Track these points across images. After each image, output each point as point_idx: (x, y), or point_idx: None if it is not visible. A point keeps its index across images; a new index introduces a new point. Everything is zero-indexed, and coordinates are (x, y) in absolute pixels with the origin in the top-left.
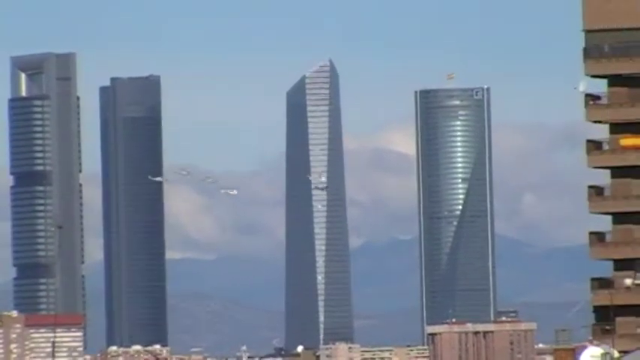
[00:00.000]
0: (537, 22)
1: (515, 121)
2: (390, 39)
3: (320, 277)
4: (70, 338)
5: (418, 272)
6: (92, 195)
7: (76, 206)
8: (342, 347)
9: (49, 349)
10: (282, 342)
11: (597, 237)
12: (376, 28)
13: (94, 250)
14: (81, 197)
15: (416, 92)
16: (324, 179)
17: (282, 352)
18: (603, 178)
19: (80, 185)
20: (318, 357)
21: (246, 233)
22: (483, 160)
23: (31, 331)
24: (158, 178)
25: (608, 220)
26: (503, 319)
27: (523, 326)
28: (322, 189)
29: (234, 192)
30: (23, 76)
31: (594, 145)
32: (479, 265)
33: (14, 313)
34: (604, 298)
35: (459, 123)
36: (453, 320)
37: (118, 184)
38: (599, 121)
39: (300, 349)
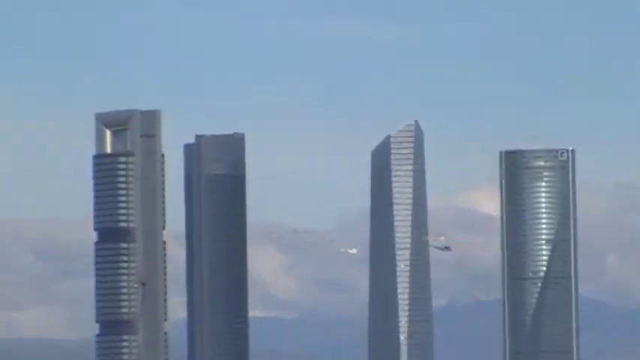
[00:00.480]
0: (622, 84)
1: (600, 182)
2: (475, 98)
3: (403, 338)
4: None
5: (501, 333)
6: (176, 252)
7: (160, 263)
8: None
9: None
10: None
11: None
12: (461, 88)
13: (177, 307)
14: (165, 254)
15: (501, 152)
16: (442, 238)
17: None
18: None
19: (164, 242)
20: None
21: (329, 292)
22: (568, 221)
23: None
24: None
25: None
26: None
27: None
28: (443, 249)
29: (354, 251)
30: (108, 132)
31: None
32: (562, 327)
33: None
34: None
35: (543, 184)
36: None
37: (201, 242)
38: None
39: None
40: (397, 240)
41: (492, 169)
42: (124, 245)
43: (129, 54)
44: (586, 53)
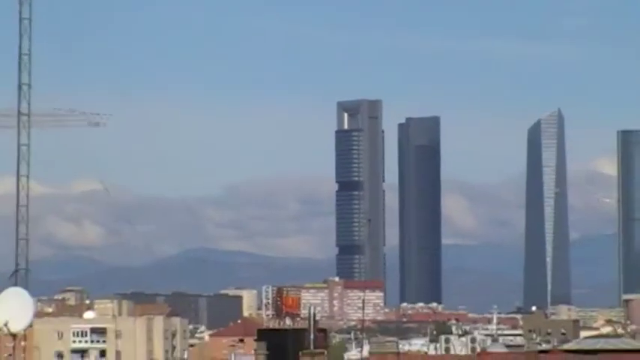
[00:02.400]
0: None
1: None
2: (600, 92)
3: (548, 259)
4: (374, 297)
5: (617, 257)
6: (391, 198)
7: (380, 206)
8: (563, 308)
9: (360, 304)
10: (521, 303)
11: None
12: (594, 84)
13: (392, 236)
14: (384, 199)
15: (618, 131)
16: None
17: (521, 310)
18: None
19: (383, 191)
20: (546, 314)
21: (498, 227)
22: None
23: (348, 291)
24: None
25: None
26: None
27: None
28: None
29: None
30: (345, 115)
31: None
32: None
33: (337, 279)
34: None
35: None
36: None
37: (410, 191)
38: None
39: (533, 308)
40: (545, 193)
41: (612, 143)
42: (356, 193)
43: (362, 55)
44: None
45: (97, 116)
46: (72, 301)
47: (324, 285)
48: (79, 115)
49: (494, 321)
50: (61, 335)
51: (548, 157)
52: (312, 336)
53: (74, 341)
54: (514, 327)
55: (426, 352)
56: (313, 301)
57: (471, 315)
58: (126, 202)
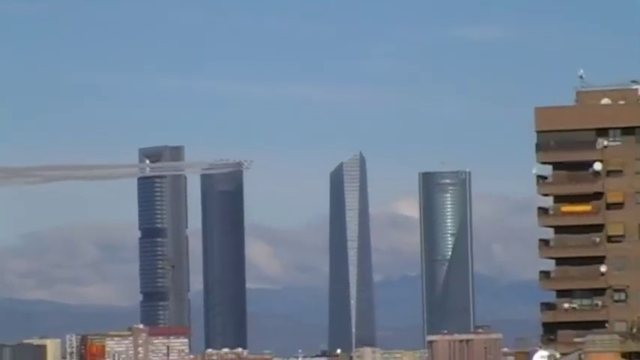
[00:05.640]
0: (505, 127)
1: (489, 193)
2: (401, 135)
3: (353, 302)
4: (179, 343)
5: (421, 299)
6: (195, 244)
7: (184, 252)
8: (367, 350)
9: (165, 351)
10: (326, 346)
11: (545, 274)
12: (395, 127)
13: (196, 282)
14: (187, 245)
15: (419, 173)
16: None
17: (326, 354)
18: (549, 234)
19: (187, 237)
20: (351, 357)
21: (302, 271)
22: (465, 221)
23: (153, 338)
24: None
25: (552, 263)
26: (480, 330)
27: (493, 336)
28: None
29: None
30: (147, 161)
31: (543, 211)
32: (463, 294)
33: (141, 326)
34: (550, 316)
35: (449, 195)
36: (445, 332)
37: (213, 236)
38: (547, 195)
39: (338, 351)
40: (348, 236)
41: (413, 185)
42: (159, 239)
43: (159, 101)
44: None
45: None
46: None
47: (129, 332)
48: None
49: None
50: None
51: (351, 201)
52: None
53: None
54: None
55: None
56: (118, 349)
57: (276, 359)
58: None
